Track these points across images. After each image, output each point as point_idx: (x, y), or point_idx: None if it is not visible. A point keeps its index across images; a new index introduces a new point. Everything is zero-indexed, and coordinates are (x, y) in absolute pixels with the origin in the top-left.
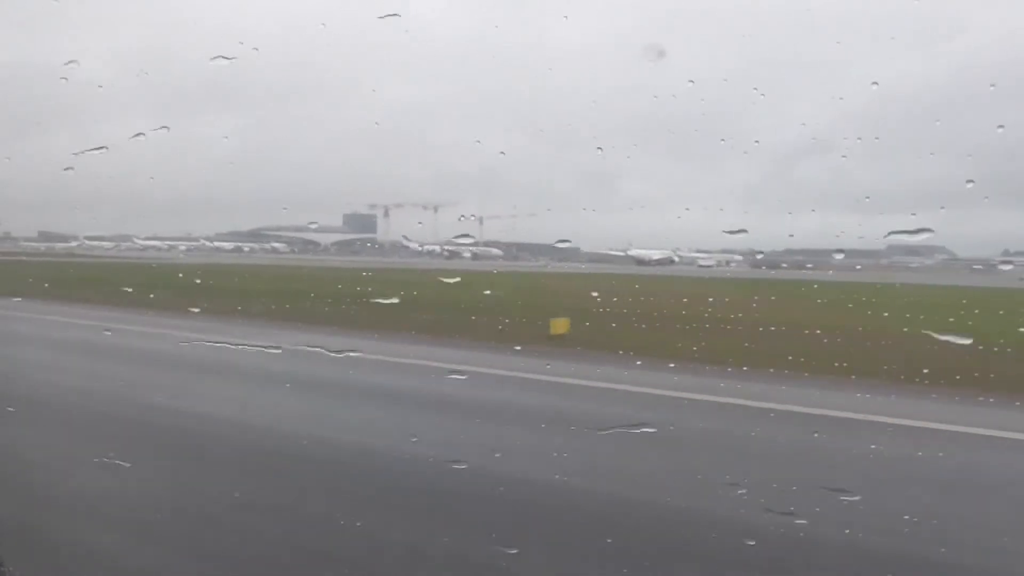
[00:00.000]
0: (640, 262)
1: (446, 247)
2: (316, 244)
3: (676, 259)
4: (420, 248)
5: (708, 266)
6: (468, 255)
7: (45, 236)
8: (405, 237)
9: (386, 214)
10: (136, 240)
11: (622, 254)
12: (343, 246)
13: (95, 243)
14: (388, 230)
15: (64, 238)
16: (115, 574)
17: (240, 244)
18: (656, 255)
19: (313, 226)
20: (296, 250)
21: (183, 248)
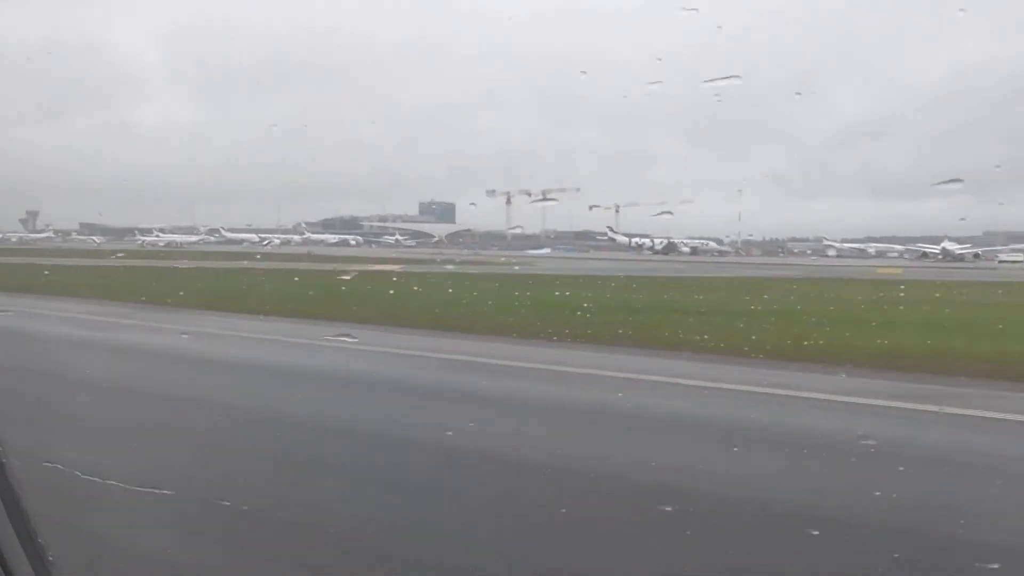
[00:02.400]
0: (946, 257)
1: (665, 240)
2: (430, 236)
3: (980, 254)
4: (628, 242)
5: (1017, 261)
6: (686, 250)
7: (89, 228)
8: (611, 228)
9: (508, 201)
10: (223, 232)
11: (934, 249)
12: (454, 237)
13: (168, 236)
14: (509, 219)
15: (119, 232)
16: None
17: (346, 236)
18: (958, 249)
19: (386, 213)
20: (416, 244)
21: (277, 241)
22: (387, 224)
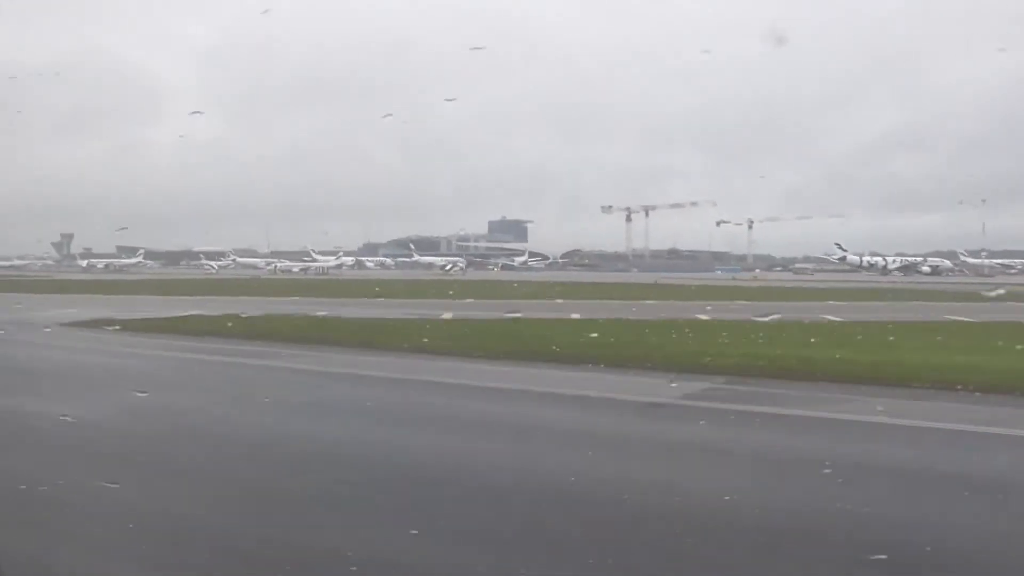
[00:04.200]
0: None
1: (899, 259)
2: (544, 257)
3: None
4: (859, 260)
5: None
6: (926, 270)
7: (130, 252)
8: (839, 246)
9: (628, 218)
10: (314, 254)
11: None
12: (568, 256)
13: (247, 260)
14: (630, 236)
15: (173, 256)
16: None
17: (454, 259)
18: None
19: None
20: (545, 266)
21: (370, 264)
22: (467, 244)
